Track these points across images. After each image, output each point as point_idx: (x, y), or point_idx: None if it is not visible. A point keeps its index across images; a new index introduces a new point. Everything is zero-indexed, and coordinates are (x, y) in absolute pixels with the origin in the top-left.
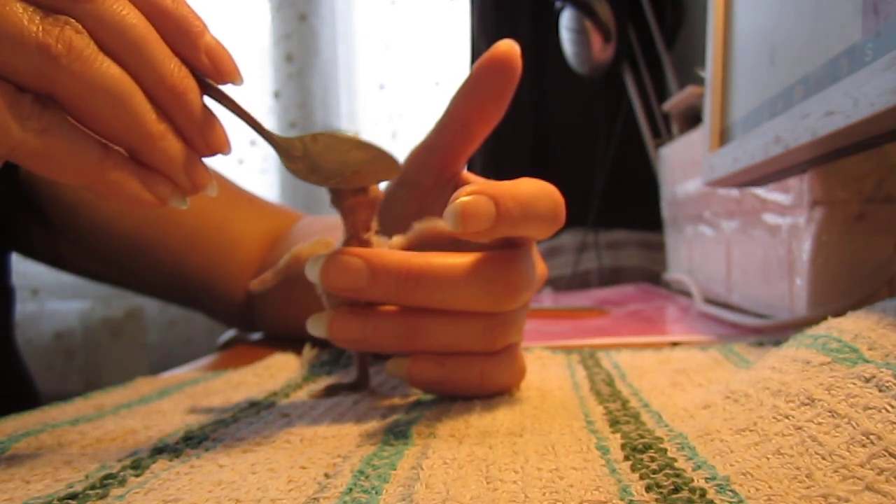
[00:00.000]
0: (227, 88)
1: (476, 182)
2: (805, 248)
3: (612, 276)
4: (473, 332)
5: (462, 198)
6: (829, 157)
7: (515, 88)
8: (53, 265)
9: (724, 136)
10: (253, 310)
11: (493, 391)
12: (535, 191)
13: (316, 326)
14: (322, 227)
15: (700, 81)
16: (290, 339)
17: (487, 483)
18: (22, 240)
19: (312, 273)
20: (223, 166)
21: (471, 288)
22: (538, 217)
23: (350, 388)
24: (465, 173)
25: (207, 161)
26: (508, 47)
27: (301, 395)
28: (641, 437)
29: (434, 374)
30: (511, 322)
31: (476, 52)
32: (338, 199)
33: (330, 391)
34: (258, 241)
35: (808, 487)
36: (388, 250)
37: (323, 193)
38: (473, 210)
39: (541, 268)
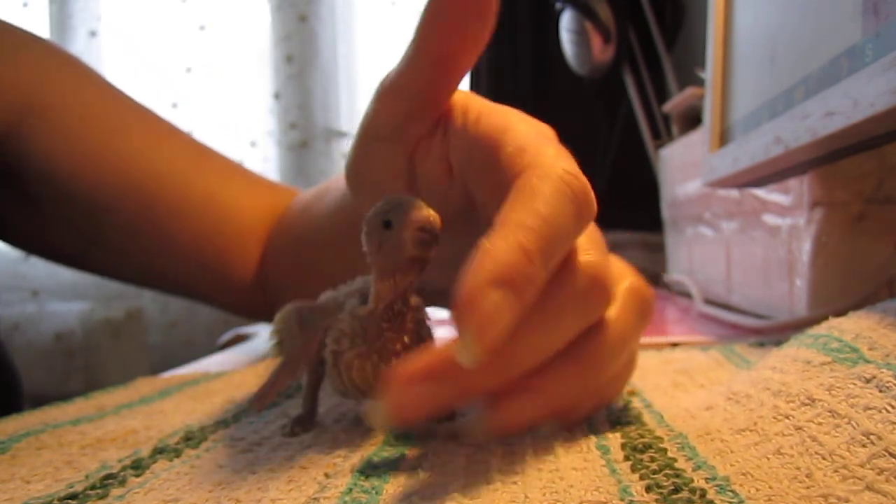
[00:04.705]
0: None
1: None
2: (805, 248)
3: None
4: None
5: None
6: (829, 158)
7: (495, 14)
8: (35, 251)
9: (724, 137)
10: (265, 286)
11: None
12: (554, 212)
13: (377, 418)
14: (313, 196)
15: (700, 82)
16: None
17: (487, 483)
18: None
19: (376, 418)
20: None
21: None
22: (566, 237)
23: (297, 425)
24: (456, 100)
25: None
26: None
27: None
28: (641, 436)
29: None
30: (620, 376)
31: None
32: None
33: (288, 434)
34: (254, 215)
35: (808, 487)
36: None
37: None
38: (486, 318)
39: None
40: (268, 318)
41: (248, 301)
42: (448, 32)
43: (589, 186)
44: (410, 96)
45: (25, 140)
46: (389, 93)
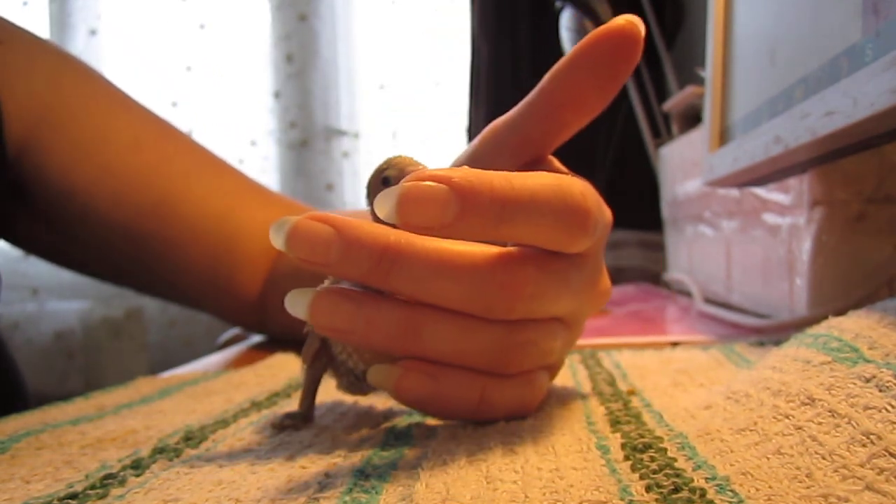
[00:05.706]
0: None
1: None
2: (805, 248)
3: (612, 276)
4: (485, 345)
5: (410, 182)
6: (829, 158)
7: (627, 78)
8: (43, 256)
9: (724, 136)
10: (266, 307)
11: (490, 418)
12: (537, 185)
13: (295, 304)
14: None
15: (700, 81)
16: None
17: (487, 483)
18: (10, 229)
19: (277, 238)
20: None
21: (457, 283)
22: (535, 215)
23: (288, 418)
24: (552, 159)
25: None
26: (629, 23)
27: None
28: (641, 436)
29: (425, 389)
30: (534, 343)
31: (476, 52)
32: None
33: (278, 425)
34: (266, 234)
35: (808, 487)
36: (363, 220)
37: (322, 194)
38: (419, 195)
39: (604, 284)
40: (264, 331)
41: (251, 315)
42: (565, 88)
43: (588, 209)
44: (516, 131)
45: (41, 153)
46: (502, 123)
